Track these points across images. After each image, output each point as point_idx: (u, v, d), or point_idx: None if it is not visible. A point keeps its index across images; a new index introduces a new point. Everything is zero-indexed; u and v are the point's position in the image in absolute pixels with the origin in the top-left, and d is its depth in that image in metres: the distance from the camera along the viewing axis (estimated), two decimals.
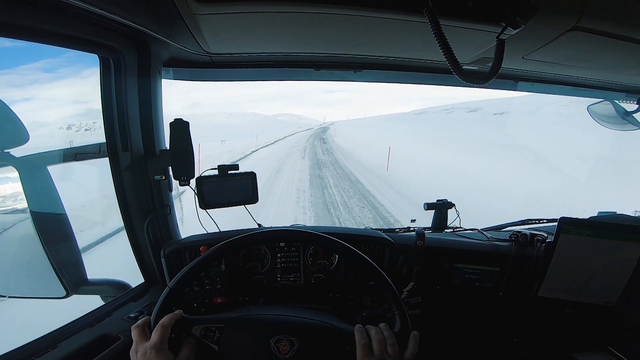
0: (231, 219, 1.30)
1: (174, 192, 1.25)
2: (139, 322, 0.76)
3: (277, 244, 1.21)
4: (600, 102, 1.65)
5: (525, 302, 1.21)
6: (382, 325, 0.80)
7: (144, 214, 1.13)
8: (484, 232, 1.34)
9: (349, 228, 1.34)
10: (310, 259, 1.22)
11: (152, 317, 0.77)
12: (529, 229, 1.36)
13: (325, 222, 6.43)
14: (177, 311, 0.78)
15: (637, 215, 1.76)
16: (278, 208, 7.28)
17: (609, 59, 1.16)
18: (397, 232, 1.39)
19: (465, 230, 1.41)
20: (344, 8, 0.79)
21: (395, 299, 0.82)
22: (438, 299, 1.27)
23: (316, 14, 0.83)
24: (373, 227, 1.39)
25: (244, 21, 0.86)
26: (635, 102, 1.58)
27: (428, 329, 1.22)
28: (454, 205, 1.42)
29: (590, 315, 1.19)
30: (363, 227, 1.37)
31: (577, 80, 1.39)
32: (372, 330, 0.78)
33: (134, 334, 0.75)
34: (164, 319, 0.75)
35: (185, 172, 1.08)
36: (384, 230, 1.36)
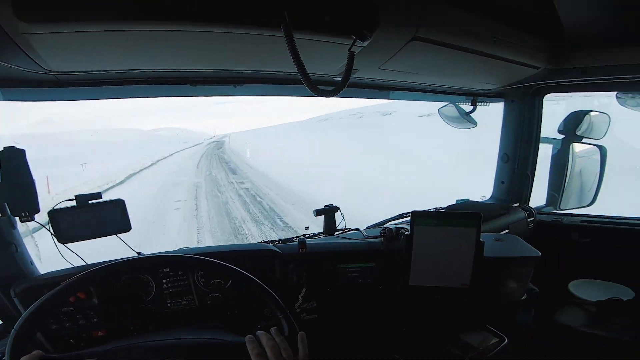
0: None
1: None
2: None
3: (160, 270, 1.14)
4: (447, 105, 1.95)
5: (402, 293, 1.32)
6: (272, 330, 0.80)
7: None
8: (362, 231, 1.47)
9: (239, 245, 1.35)
10: (202, 280, 1.18)
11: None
12: (399, 223, 1.53)
13: None
14: (35, 352, 0.70)
15: (483, 200, 2.13)
16: None
17: (447, 66, 1.33)
18: (291, 241, 1.43)
19: (350, 230, 1.52)
20: (198, 25, 0.77)
21: (277, 305, 0.84)
22: (330, 300, 1.33)
23: (169, 32, 0.79)
24: (270, 240, 1.41)
25: (88, 39, 0.78)
26: (470, 104, 1.91)
27: (328, 330, 1.29)
28: (339, 208, 1.51)
29: (455, 298, 1.32)
30: (254, 243, 1.38)
31: (427, 87, 1.59)
32: (264, 338, 0.78)
33: None
34: None
35: (26, 206, 0.94)
36: (277, 242, 1.39)
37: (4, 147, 0.91)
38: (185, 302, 1.16)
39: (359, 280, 1.32)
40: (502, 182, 2.07)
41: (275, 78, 1.34)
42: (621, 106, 1.85)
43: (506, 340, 1.25)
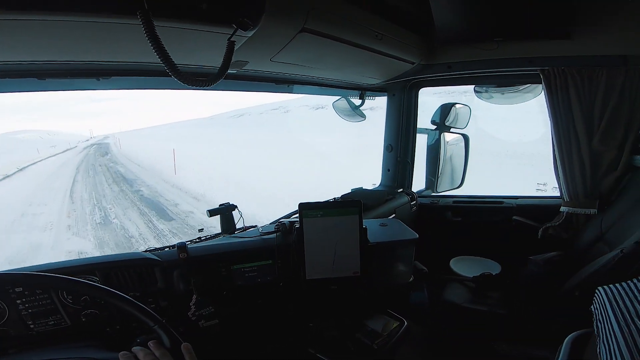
0: None
1: None
2: None
3: (10, 290, 0.96)
4: (339, 99, 2.05)
5: (302, 287, 1.30)
6: (150, 344, 0.72)
7: None
8: (259, 228, 1.43)
9: (109, 256, 1.18)
10: (69, 297, 1.01)
11: None
12: (295, 217, 1.53)
13: None
14: None
15: (374, 187, 2.33)
16: None
17: (335, 60, 1.37)
18: (170, 248, 1.31)
19: (248, 228, 1.48)
20: (54, 14, 0.68)
21: (147, 315, 0.76)
22: (230, 303, 1.27)
23: (20, 21, 0.68)
24: (150, 249, 1.28)
25: None
26: (358, 97, 2.05)
27: (232, 333, 1.22)
28: (236, 206, 1.45)
29: (349, 286, 1.35)
30: (127, 252, 1.24)
31: (319, 80, 1.62)
32: (141, 353, 0.69)
33: None
34: None
35: None
36: (154, 250, 1.26)
37: None
38: (52, 322, 1.01)
39: (258, 280, 1.28)
40: (388, 170, 2.27)
41: (147, 70, 1.22)
42: (478, 99, 2.19)
43: (406, 323, 1.32)
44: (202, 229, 1.50)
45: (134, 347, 0.73)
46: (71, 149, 45.44)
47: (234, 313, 1.29)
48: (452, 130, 2.30)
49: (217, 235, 1.45)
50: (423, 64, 1.76)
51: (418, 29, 1.53)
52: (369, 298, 1.42)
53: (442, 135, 2.29)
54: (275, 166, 13.97)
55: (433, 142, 2.31)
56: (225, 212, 1.45)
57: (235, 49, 0.90)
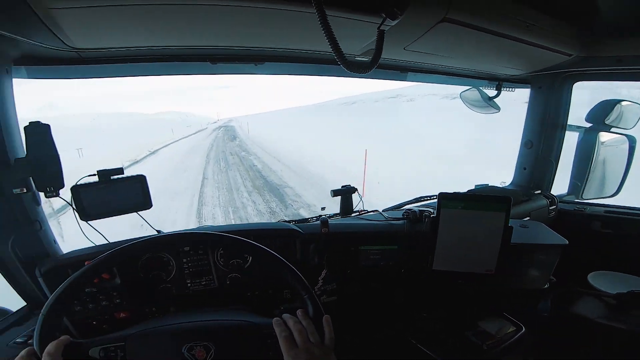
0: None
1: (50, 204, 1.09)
2: (22, 353, 0.68)
3: (180, 249, 1.13)
4: (469, 89, 1.89)
5: (425, 277, 1.30)
6: (299, 313, 0.80)
7: (6, 232, 0.98)
8: (382, 213, 1.43)
9: (259, 223, 1.32)
10: (221, 260, 1.17)
11: (35, 346, 0.68)
12: (421, 205, 1.50)
13: None
14: (63, 337, 0.70)
15: (503, 185, 2.08)
16: None
17: (474, 50, 1.29)
18: (310, 221, 1.42)
19: (368, 212, 1.49)
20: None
21: (302, 285, 0.82)
22: (351, 282, 1.31)
23: (193, 6, 0.78)
24: (287, 220, 1.40)
25: (112, 14, 0.77)
26: (494, 89, 1.85)
27: (346, 313, 1.28)
28: (356, 189, 1.48)
29: (478, 283, 1.30)
30: (274, 222, 1.37)
31: (451, 69, 1.55)
32: (291, 321, 0.77)
33: None
34: (49, 347, 0.67)
35: (51, 182, 0.94)
36: (297, 221, 1.37)
37: (30, 122, 0.91)
38: (204, 282, 1.16)
39: (381, 263, 1.30)
40: (524, 169, 2.02)
41: (298, 56, 1.31)
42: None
43: (523, 329, 1.23)
44: (324, 208, 1.56)
45: (284, 315, 0.81)
46: (202, 130, 54.92)
47: (354, 293, 1.33)
48: (612, 130, 1.92)
49: (336, 215, 1.49)
50: (582, 57, 1.50)
51: (576, 17, 1.30)
52: (488, 298, 1.36)
53: (597, 135, 1.94)
54: (383, 157, 13.42)
55: (585, 141, 1.97)
56: (346, 193, 1.49)
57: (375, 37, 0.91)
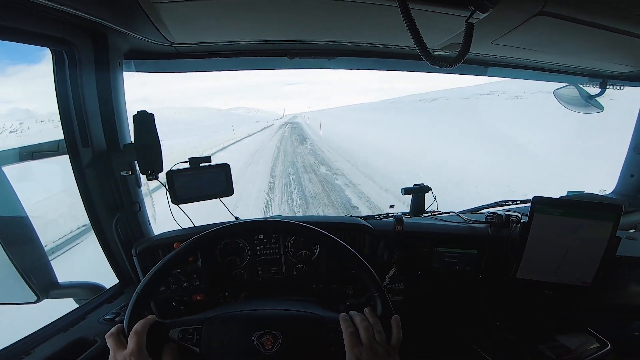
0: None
1: (145, 189, 1.21)
2: (112, 330, 0.73)
3: (255, 237, 1.18)
4: (566, 86, 1.69)
5: (504, 284, 1.22)
6: (366, 310, 0.79)
7: (112, 212, 1.08)
8: (460, 215, 1.35)
9: (328, 216, 1.33)
10: (291, 250, 1.20)
11: (124, 324, 0.73)
12: (504, 210, 1.38)
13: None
14: (150, 316, 0.75)
15: (603, 193, 1.83)
16: None
17: (573, 44, 1.19)
18: (377, 218, 1.39)
19: (442, 213, 1.42)
20: None
21: (374, 282, 0.81)
22: (420, 284, 1.27)
23: (280, 1, 0.80)
24: (353, 215, 1.39)
25: (209, 9, 0.82)
26: (597, 86, 1.63)
27: (412, 315, 1.24)
28: (430, 189, 1.42)
29: (568, 296, 1.21)
30: (342, 215, 1.36)
31: (544, 65, 1.41)
32: (358, 318, 0.77)
33: (109, 342, 0.71)
34: (137, 326, 0.71)
35: (152, 166, 1.03)
36: (364, 217, 1.35)
37: (138, 111, 1.00)
38: (274, 270, 1.20)
39: (456, 267, 1.23)
40: (632, 176, 1.78)
41: (371, 50, 1.28)
42: None
43: (609, 346, 1.11)
44: (393, 206, 1.52)
45: (351, 312, 0.79)
46: (268, 126, 48.04)
47: (422, 294, 1.28)
48: None
49: (406, 214, 1.44)
50: None
51: None
52: (572, 311, 1.24)
53: None
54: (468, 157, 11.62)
55: None
56: (418, 192, 1.43)
57: (460, 31, 0.85)
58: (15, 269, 0.97)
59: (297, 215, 1.48)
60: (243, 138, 27.80)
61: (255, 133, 34.50)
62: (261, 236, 1.19)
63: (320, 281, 1.22)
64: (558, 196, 1.47)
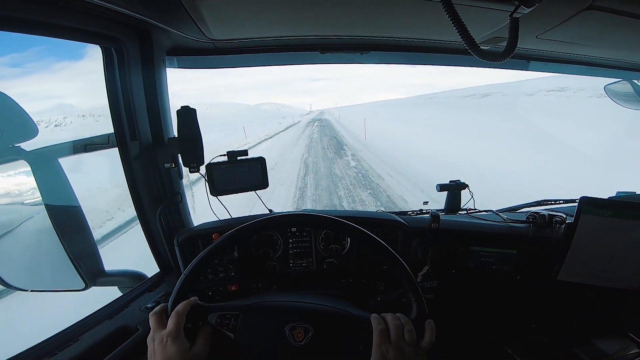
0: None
1: (185, 182, 1.25)
2: (157, 309, 0.76)
3: (288, 230, 1.20)
4: (618, 81, 1.59)
5: (544, 286, 1.18)
6: (400, 315, 0.78)
7: (156, 202, 1.13)
8: (499, 214, 1.31)
9: (360, 211, 1.32)
10: (322, 243, 1.22)
11: (169, 304, 0.76)
12: (546, 209, 1.32)
13: None
14: (192, 298, 0.77)
15: None
16: None
17: (627, 38, 1.11)
18: (410, 214, 1.37)
19: (480, 211, 1.38)
20: None
21: (411, 285, 0.80)
22: (453, 282, 1.24)
23: None
24: (385, 210, 1.37)
25: (245, 5, 0.84)
26: None
27: (443, 314, 1.22)
28: (467, 186, 1.38)
29: (611, 299, 1.15)
30: (374, 210, 1.35)
31: (593, 59, 1.34)
32: (389, 317, 0.76)
33: (152, 321, 0.74)
34: (179, 306, 0.74)
35: (194, 159, 1.07)
36: (397, 213, 1.33)
37: (181, 106, 1.04)
38: (304, 264, 1.21)
39: (493, 267, 1.20)
40: None
41: (404, 45, 1.26)
42: None
43: None
44: (427, 202, 1.49)
45: (383, 313, 0.79)
46: (294, 124, 40.65)
47: (455, 293, 1.26)
48: None
49: (440, 211, 1.41)
50: None
51: None
52: (614, 315, 1.19)
53: None
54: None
55: None
56: (454, 189, 1.39)
57: (502, 25, 0.82)
58: (67, 257, 1.03)
59: (331, 209, 1.47)
60: (258, 143, 20.15)
61: (279, 133, 27.14)
62: (294, 229, 1.21)
63: (350, 276, 1.22)
64: (606, 197, 1.39)
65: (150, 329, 0.74)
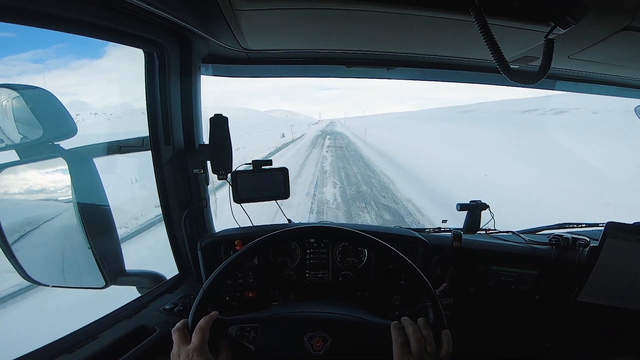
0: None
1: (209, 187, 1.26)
2: (178, 325, 0.76)
3: (307, 240, 1.21)
4: None
5: (563, 306, 1.17)
6: (420, 321, 0.78)
7: (182, 206, 1.15)
8: (520, 235, 1.31)
9: (379, 226, 1.32)
10: (339, 256, 1.22)
11: (189, 319, 0.77)
12: (568, 232, 1.32)
13: None
14: (213, 313, 0.78)
15: None
16: None
17: None
18: (428, 232, 1.37)
19: (500, 232, 1.37)
20: (387, 6, 0.79)
21: (428, 292, 0.81)
22: (471, 300, 1.24)
23: (352, 11, 0.82)
24: (402, 227, 1.37)
25: (281, 17, 0.86)
26: None
27: (459, 331, 1.20)
28: (488, 206, 1.38)
29: (629, 320, 1.15)
30: (393, 226, 1.36)
31: (625, 80, 1.33)
32: (410, 329, 0.76)
33: (175, 337, 0.75)
34: (202, 322, 0.74)
35: (223, 166, 1.09)
36: (415, 230, 1.34)
37: (215, 114, 1.07)
38: (320, 275, 1.22)
39: (512, 286, 1.20)
40: None
41: (431, 62, 1.28)
42: None
43: None
44: (446, 220, 1.48)
45: (403, 318, 0.80)
46: (299, 138, 30.91)
47: (472, 311, 1.25)
48: None
49: (458, 229, 1.40)
50: None
51: None
52: (632, 336, 1.18)
53: None
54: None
55: None
56: (475, 209, 1.39)
57: (535, 45, 0.82)
58: (92, 255, 1.04)
59: (349, 222, 1.49)
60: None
61: (282, 149, 21.33)
62: (312, 240, 1.21)
63: (366, 289, 1.22)
64: (632, 222, 1.38)
65: (168, 330, 0.76)
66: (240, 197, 1.17)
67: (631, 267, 1.05)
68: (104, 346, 0.90)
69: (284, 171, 1.22)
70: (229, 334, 0.78)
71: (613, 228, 1.03)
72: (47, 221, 1.12)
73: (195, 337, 0.73)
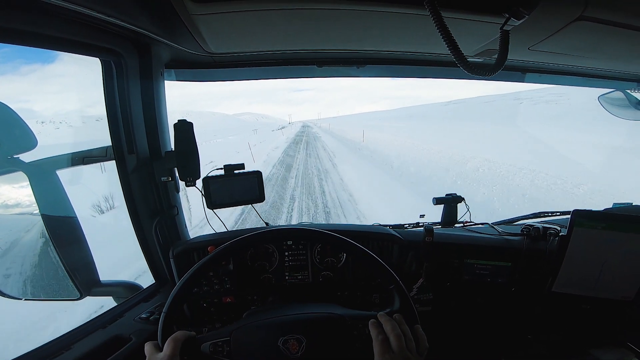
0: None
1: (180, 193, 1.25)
2: (147, 348, 0.76)
3: (284, 243, 1.21)
4: (611, 92, 1.60)
5: (539, 298, 1.18)
6: (396, 317, 0.79)
7: (152, 215, 1.14)
8: (495, 227, 1.32)
9: (356, 225, 1.33)
10: (318, 257, 1.22)
11: (159, 341, 0.76)
12: (541, 222, 1.33)
13: None
14: (178, 333, 0.76)
15: None
16: None
17: (618, 49, 1.13)
18: (406, 227, 1.38)
19: (476, 224, 1.38)
20: (343, 3, 0.78)
21: (389, 276, 0.84)
22: (449, 295, 1.25)
23: (315, 10, 0.82)
24: (381, 224, 1.38)
25: (243, 20, 0.85)
26: None
27: (440, 326, 1.21)
28: (463, 199, 1.39)
29: (607, 310, 1.16)
30: (371, 224, 1.36)
31: (587, 70, 1.35)
32: (388, 325, 0.76)
33: (147, 349, 0.75)
34: (178, 333, 0.74)
35: (190, 173, 1.08)
36: (392, 227, 1.34)
37: (178, 120, 1.05)
38: (300, 276, 1.22)
39: (488, 279, 1.21)
40: None
41: (400, 58, 1.28)
42: None
43: None
44: (424, 215, 1.49)
45: (380, 313, 0.80)
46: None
47: (451, 306, 1.26)
48: None
49: (436, 224, 1.41)
50: None
51: None
52: (610, 325, 1.21)
53: None
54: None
55: None
56: (451, 202, 1.40)
57: (495, 37, 0.83)
58: (62, 267, 1.03)
59: (326, 223, 1.49)
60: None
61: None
62: (290, 242, 1.21)
63: (345, 288, 1.23)
64: (602, 208, 1.40)
65: (144, 338, 0.75)
66: (213, 203, 1.16)
67: (600, 255, 1.06)
68: (77, 356, 0.89)
69: (257, 175, 1.20)
70: (202, 351, 0.76)
71: (579, 216, 1.04)
72: (18, 235, 1.11)
73: (167, 347, 0.72)
